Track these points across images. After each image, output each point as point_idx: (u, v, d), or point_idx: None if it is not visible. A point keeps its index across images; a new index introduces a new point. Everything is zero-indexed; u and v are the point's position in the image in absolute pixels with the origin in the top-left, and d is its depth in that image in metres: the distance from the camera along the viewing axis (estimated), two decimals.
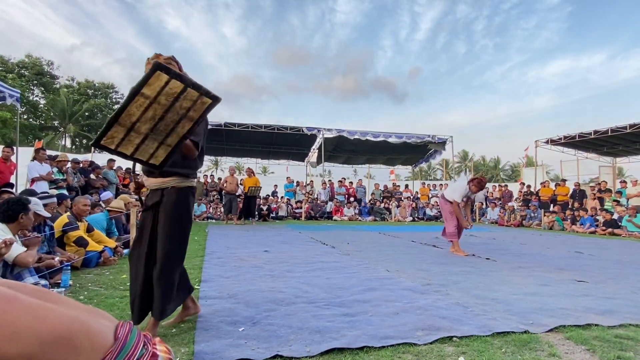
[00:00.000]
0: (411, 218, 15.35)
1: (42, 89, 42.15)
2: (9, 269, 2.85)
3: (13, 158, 7.86)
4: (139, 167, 2.24)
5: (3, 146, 7.87)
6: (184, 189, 2.35)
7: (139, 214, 2.38)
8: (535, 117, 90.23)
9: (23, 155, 9.49)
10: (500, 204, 15.61)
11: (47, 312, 0.90)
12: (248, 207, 11.78)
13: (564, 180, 15.05)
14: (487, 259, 5.48)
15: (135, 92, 1.81)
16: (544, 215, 13.00)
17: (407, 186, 19.40)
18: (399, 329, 2.38)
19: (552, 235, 10.45)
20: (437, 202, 15.87)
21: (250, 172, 12.19)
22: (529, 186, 15.89)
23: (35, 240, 3.05)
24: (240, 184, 13.00)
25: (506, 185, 17.89)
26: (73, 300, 1.06)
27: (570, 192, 14.17)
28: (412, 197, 17.58)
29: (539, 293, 3.42)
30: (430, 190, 18.60)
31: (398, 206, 15.78)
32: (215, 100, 1.96)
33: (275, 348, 2.07)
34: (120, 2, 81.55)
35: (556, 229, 12.25)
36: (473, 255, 5.68)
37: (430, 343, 2.17)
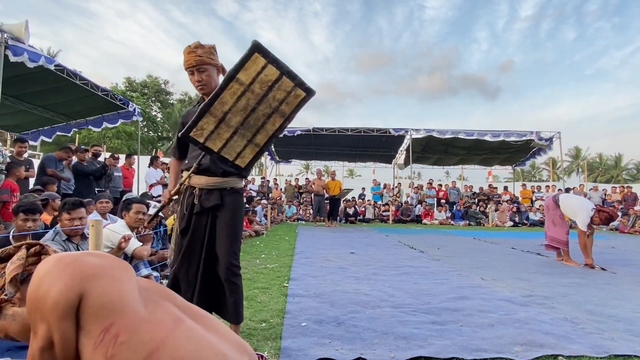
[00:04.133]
0: (511, 223, 14.08)
1: (159, 104, 48.04)
2: (127, 261, 3.30)
3: (135, 165, 9.10)
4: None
5: (125, 155, 9.13)
6: (241, 190, 2.20)
7: (179, 218, 2.18)
8: None
9: (142, 163, 10.90)
10: (622, 208, 13.51)
11: (205, 343, 0.99)
12: (332, 209, 12.06)
13: None
14: (603, 269, 4.77)
15: (231, 76, 1.71)
16: None
17: (506, 188, 17.86)
18: (494, 342, 2.19)
19: None
20: (541, 205, 14.33)
21: (333, 175, 12.63)
22: None
23: (148, 237, 3.49)
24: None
25: (630, 187, 15.43)
26: (229, 330, 1.15)
27: None
28: (512, 199, 16.12)
29: None
30: (533, 192, 16.86)
31: (496, 210, 14.61)
32: (310, 93, 1.84)
33: (359, 350, 2.05)
34: (220, 20, 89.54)
35: None
36: (594, 267, 4.94)
37: None
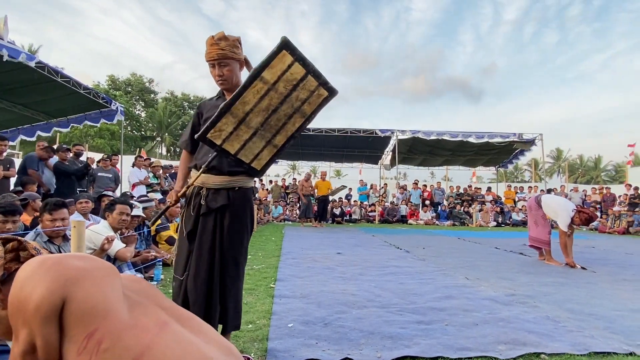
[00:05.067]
0: (495, 223, 14.33)
1: (143, 103, 47.32)
2: (110, 262, 3.23)
3: (118, 165, 8.93)
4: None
5: (107, 154, 8.96)
6: (249, 190, 2.07)
7: (187, 219, 2.01)
8: None
9: (125, 163, 10.72)
10: (600, 208, 13.88)
11: (191, 347, 0.97)
12: (321, 209, 12.06)
13: None
14: (583, 268, 4.89)
15: (256, 74, 1.63)
16: None
17: (489, 189, 18.15)
18: (478, 341, 2.22)
19: None
20: (524, 206, 14.61)
21: (324, 176, 12.60)
22: (636, 188, 13.89)
23: (132, 238, 3.44)
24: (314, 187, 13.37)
25: (609, 188, 15.85)
26: (216, 332, 1.14)
27: None
28: (495, 200, 16.39)
29: None
30: (516, 193, 17.19)
31: (480, 210, 14.84)
32: (332, 93, 1.78)
33: (345, 351, 2.06)
34: (206, 19, 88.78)
35: None
36: (574, 266, 5.09)
37: (514, 359, 1.99)
